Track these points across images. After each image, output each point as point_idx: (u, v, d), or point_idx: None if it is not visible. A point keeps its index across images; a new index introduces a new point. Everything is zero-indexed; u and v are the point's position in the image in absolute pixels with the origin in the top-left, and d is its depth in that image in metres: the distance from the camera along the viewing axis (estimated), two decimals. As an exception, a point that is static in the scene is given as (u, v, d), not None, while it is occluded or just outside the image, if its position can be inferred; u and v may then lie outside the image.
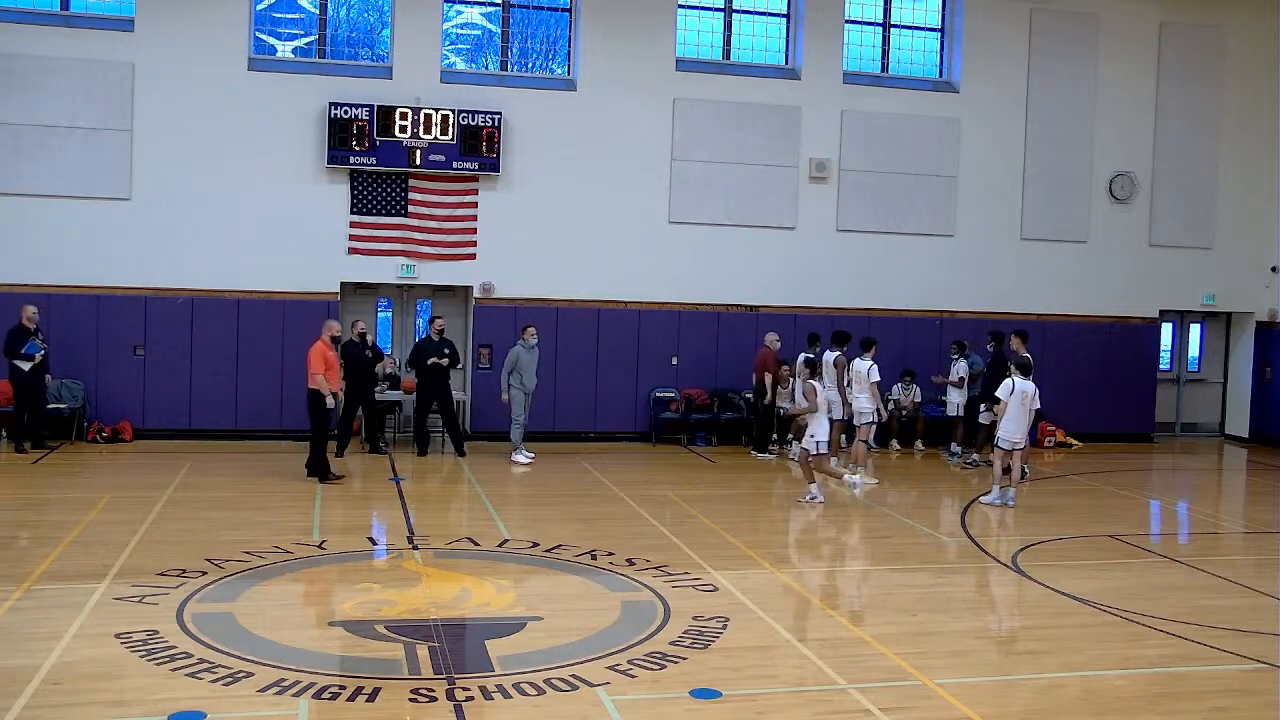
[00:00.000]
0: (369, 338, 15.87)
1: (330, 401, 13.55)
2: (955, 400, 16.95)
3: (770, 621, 8.38)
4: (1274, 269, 20.21)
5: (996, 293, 19.05)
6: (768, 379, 16.51)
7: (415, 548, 10.52)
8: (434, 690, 6.77)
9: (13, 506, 12.07)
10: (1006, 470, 13.27)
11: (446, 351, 15.55)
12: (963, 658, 7.82)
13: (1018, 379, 13.17)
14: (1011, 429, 13.16)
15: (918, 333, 18.73)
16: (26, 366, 14.98)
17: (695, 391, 17.93)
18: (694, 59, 18.26)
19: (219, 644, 7.45)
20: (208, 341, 16.65)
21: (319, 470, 13.59)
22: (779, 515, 13.30)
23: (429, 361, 15.44)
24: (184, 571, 9.24)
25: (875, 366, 14.68)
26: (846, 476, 13.53)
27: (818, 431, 13.16)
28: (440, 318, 16.12)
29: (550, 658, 7.38)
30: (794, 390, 16.65)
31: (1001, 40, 18.99)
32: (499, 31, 17.89)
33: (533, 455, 15.55)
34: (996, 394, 13.43)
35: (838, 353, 15.30)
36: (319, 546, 10.37)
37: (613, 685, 6.92)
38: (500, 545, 10.71)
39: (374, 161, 16.71)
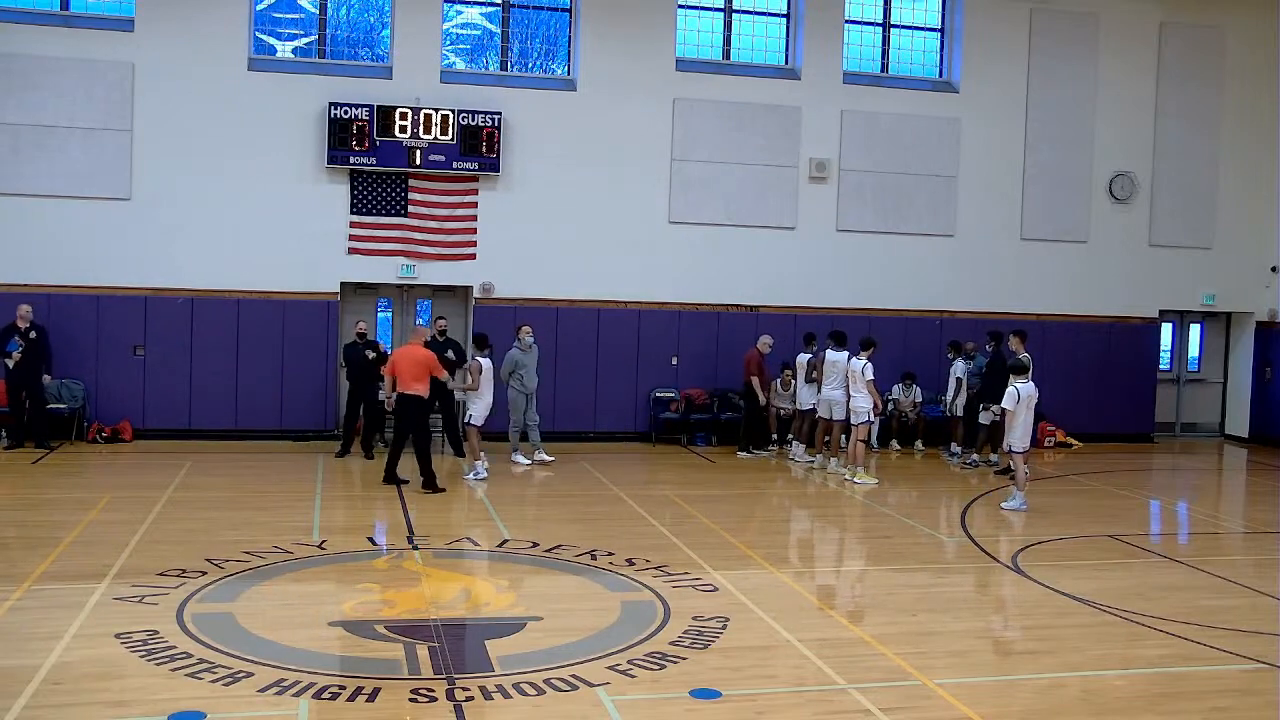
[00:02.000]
0: (368, 338, 15.85)
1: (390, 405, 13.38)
2: (957, 400, 16.93)
3: (770, 621, 8.38)
4: (1274, 269, 20.21)
5: (996, 293, 19.05)
6: (754, 381, 16.50)
7: (415, 548, 10.53)
8: (434, 690, 6.78)
9: (13, 506, 12.07)
10: (1005, 470, 13.22)
11: (450, 354, 15.53)
12: (963, 658, 7.82)
13: (1020, 384, 13.00)
14: (1021, 434, 13.04)
15: (918, 333, 18.73)
16: (10, 364, 15.15)
17: (695, 391, 17.93)
18: (694, 59, 18.26)
19: (219, 644, 7.45)
20: (208, 341, 16.65)
21: (431, 480, 13.06)
22: (779, 515, 13.32)
23: None
24: (184, 571, 9.24)
25: (870, 365, 14.66)
26: (477, 465, 14.05)
27: (475, 410, 13.98)
28: (442, 318, 16.08)
29: (550, 658, 7.38)
30: (795, 391, 16.68)
31: (1001, 40, 18.99)
32: (499, 31, 17.89)
33: (529, 462, 15.48)
34: (1004, 405, 13.13)
35: (841, 353, 15.28)
36: (319, 546, 10.38)
37: (613, 685, 6.92)
38: (500, 545, 10.71)
39: (374, 161, 16.71)
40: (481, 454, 14.12)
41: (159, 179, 16.39)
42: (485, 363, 14.03)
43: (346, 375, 15.93)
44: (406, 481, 13.38)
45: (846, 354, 15.11)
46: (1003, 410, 13.28)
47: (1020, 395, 12.93)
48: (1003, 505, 13.14)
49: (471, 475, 13.94)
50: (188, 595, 8.58)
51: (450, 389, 14.87)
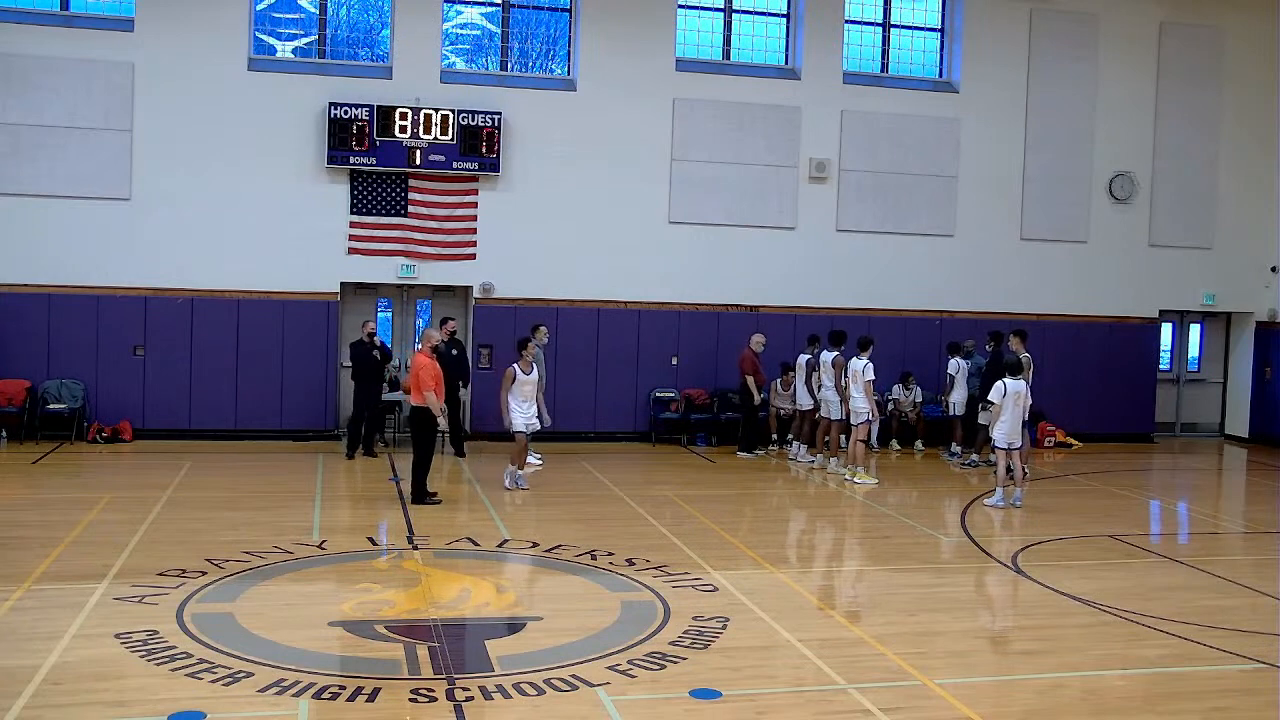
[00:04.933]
0: (377, 339, 15.83)
1: (442, 422, 12.79)
2: (953, 398, 16.95)
3: (770, 621, 8.38)
4: (1274, 269, 20.21)
5: (996, 293, 19.05)
6: (750, 381, 16.52)
7: (415, 548, 10.53)
8: (434, 690, 6.77)
9: (13, 506, 12.07)
10: (1008, 471, 13.28)
11: (455, 353, 15.52)
12: (963, 658, 7.83)
13: (1008, 380, 13.29)
14: (1006, 429, 13.22)
15: (918, 333, 18.73)
16: None
17: (695, 391, 17.94)
18: (694, 59, 18.26)
19: (219, 644, 7.45)
20: (208, 341, 16.65)
21: (421, 495, 12.46)
22: (779, 515, 13.31)
23: None
24: (184, 571, 9.24)
25: (870, 365, 14.69)
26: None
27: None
28: (451, 319, 15.88)
29: (550, 658, 7.39)
30: (795, 391, 16.67)
31: (1001, 40, 18.99)
32: (499, 31, 17.89)
33: (542, 458, 15.51)
34: (989, 397, 13.53)
35: (835, 353, 15.33)
36: (319, 546, 10.38)
37: (613, 685, 6.92)
38: (500, 545, 10.71)
39: (374, 161, 16.71)
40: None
41: (159, 179, 16.38)
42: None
43: (352, 374, 15.89)
44: (402, 480, 13.26)
45: (834, 353, 15.23)
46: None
47: (1007, 390, 13.15)
48: (985, 501, 13.36)
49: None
50: (188, 595, 8.58)
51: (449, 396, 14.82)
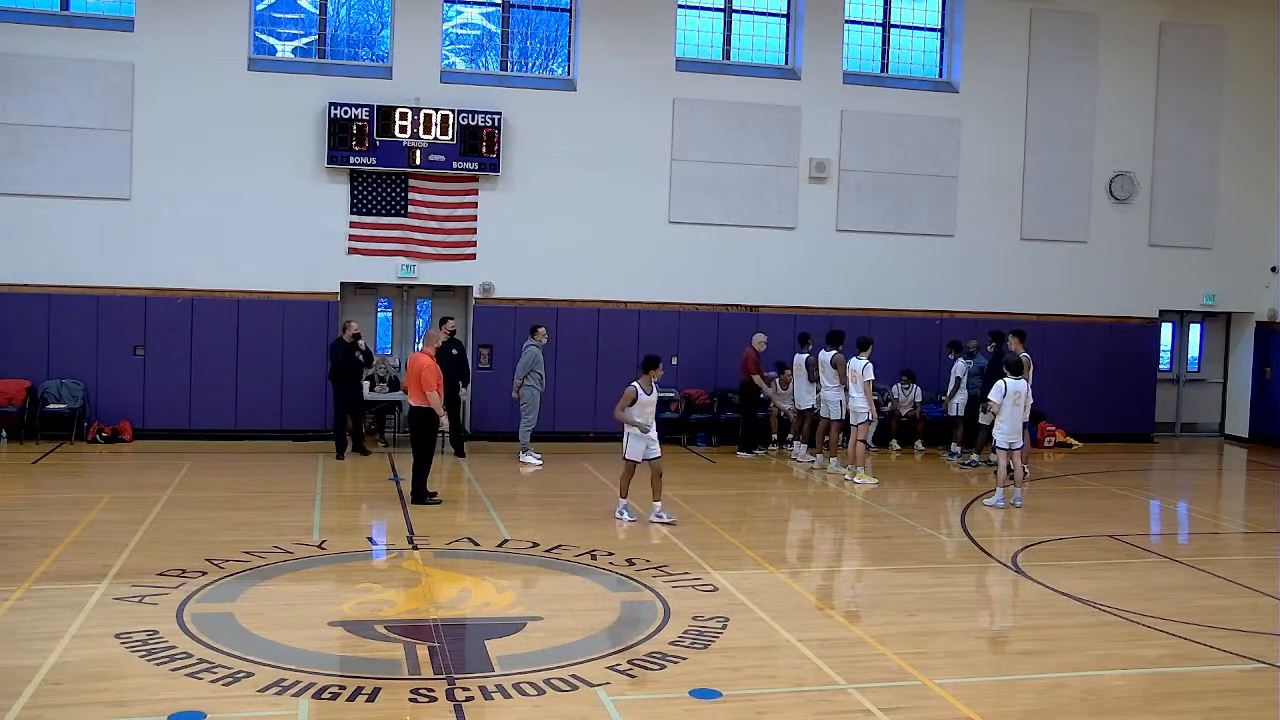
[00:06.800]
0: (361, 341, 15.68)
1: (445, 422, 12.75)
2: (956, 400, 16.95)
3: (770, 621, 8.38)
4: (1274, 269, 20.21)
5: (996, 293, 19.05)
6: (757, 379, 16.53)
7: (415, 548, 10.53)
8: (434, 690, 6.78)
9: (13, 506, 12.07)
10: (1009, 471, 13.29)
11: (454, 352, 15.49)
12: (963, 658, 7.83)
13: (1009, 380, 13.32)
14: (1007, 429, 13.23)
15: (918, 333, 18.74)
16: None
17: (695, 391, 17.94)
18: (694, 59, 18.26)
19: (219, 644, 7.45)
20: (208, 341, 16.65)
21: (421, 494, 12.49)
22: (779, 515, 13.32)
23: None
24: (184, 571, 9.24)
25: (870, 365, 14.69)
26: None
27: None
28: (451, 319, 15.84)
29: (550, 658, 7.39)
30: (794, 391, 16.67)
31: (1001, 40, 18.99)
32: (499, 31, 17.89)
33: (542, 458, 15.51)
34: (989, 396, 13.54)
35: (834, 352, 15.33)
36: (319, 546, 10.38)
37: (613, 685, 6.92)
38: (500, 545, 10.71)
39: (374, 161, 16.71)
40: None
41: (159, 179, 16.38)
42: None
43: (330, 374, 15.64)
44: (401, 480, 13.33)
45: (833, 353, 15.23)
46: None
47: (1006, 389, 13.19)
48: (985, 501, 13.38)
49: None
50: (188, 595, 8.58)
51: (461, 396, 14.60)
